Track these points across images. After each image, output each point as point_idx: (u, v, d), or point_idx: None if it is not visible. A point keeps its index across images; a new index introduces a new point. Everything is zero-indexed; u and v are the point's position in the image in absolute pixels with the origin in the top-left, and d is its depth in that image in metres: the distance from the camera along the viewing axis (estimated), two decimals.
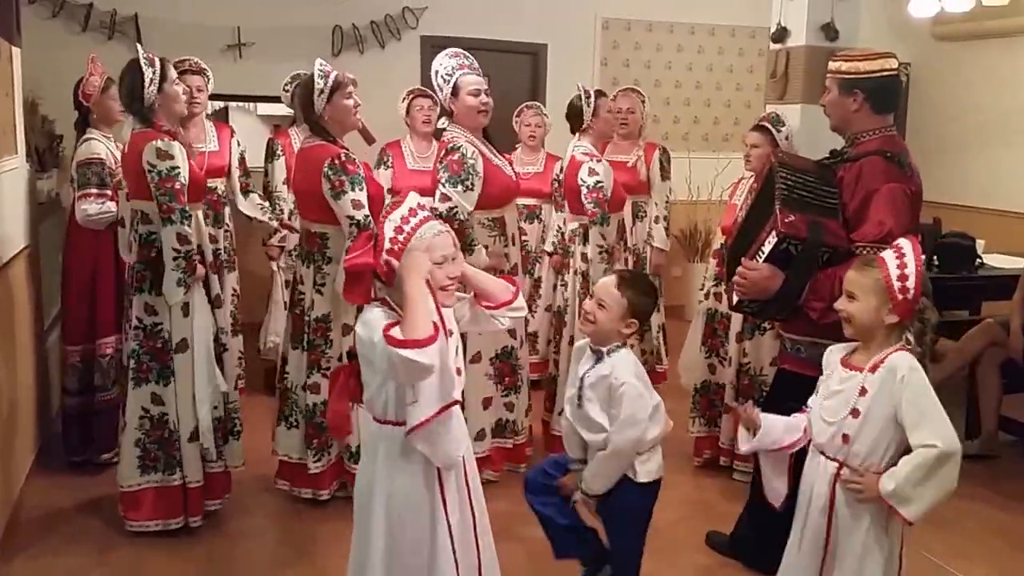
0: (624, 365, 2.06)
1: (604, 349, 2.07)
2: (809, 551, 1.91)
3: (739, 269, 2.27)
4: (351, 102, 2.87)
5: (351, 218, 2.73)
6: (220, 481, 2.85)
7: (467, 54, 3.14)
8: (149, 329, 2.67)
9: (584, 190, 3.25)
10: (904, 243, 1.87)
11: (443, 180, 2.96)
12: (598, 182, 3.25)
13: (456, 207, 2.92)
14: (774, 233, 2.15)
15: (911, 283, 1.82)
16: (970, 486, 3.42)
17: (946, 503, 2.85)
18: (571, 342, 3.30)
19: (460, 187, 2.94)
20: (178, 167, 2.61)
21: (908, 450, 1.82)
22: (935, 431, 1.74)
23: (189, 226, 2.62)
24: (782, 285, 2.18)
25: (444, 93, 3.08)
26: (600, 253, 3.29)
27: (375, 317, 1.70)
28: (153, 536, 2.73)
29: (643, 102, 4.15)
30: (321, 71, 2.83)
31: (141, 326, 2.68)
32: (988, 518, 3.05)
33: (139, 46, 2.73)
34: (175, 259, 2.60)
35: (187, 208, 2.62)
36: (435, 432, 1.70)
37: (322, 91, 2.82)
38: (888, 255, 1.86)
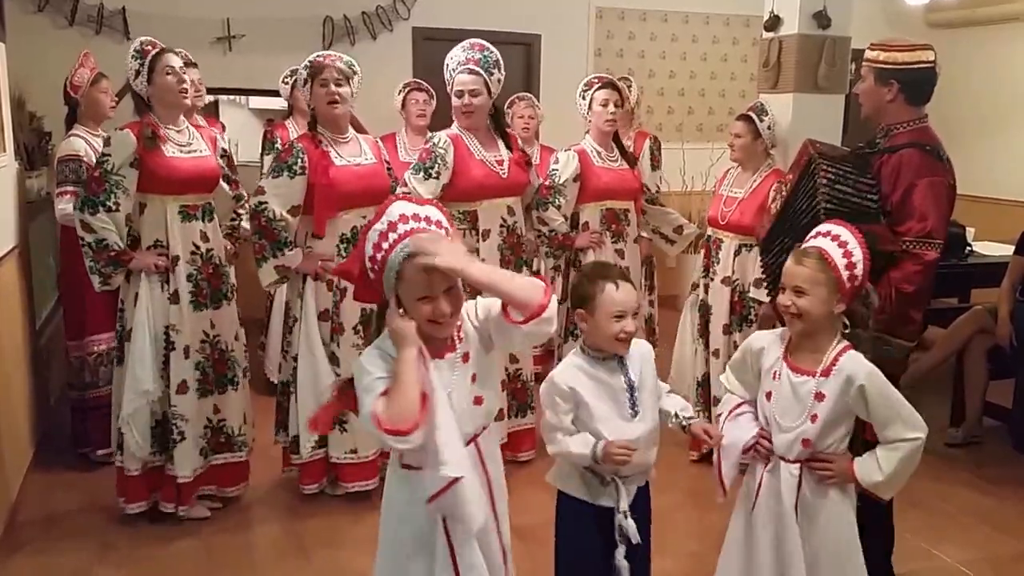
0: (645, 346, 1.92)
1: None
2: (775, 550, 1.88)
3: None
4: (324, 91, 2.80)
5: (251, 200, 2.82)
6: (169, 483, 2.77)
7: (486, 46, 3.10)
8: (122, 314, 2.77)
9: None
10: (841, 231, 1.88)
11: (410, 166, 3.10)
12: (552, 170, 3.36)
13: (410, 193, 2.97)
14: None
15: (859, 270, 1.85)
16: (954, 471, 3.46)
17: (931, 488, 2.92)
18: None
19: (421, 174, 3.02)
20: (107, 156, 2.62)
21: (858, 433, 1.87)
22: (912, 424, 1.80)
23: (93, 215, 2.59)
24: None
25: (448, 88, 3.13)
26: (538, 237, 3.34)
27: (369, 369, 1.51)
28: (152, 532, 2.77)
29: (629, 87, 4.11)
30: (308, 60, 2.83)
31: (122, 308, 2.77)
32: (972, 502, 3.09)
33: (142, 39, 2.70)
34: (81, 246, 2.64)
35: (98, 198, 2.59)
36: (449, 502, 1.51)
37: (305, 80, 2.82)
38: (828, 244, 1.86)
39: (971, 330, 3.64)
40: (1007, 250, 3.96)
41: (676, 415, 1.90)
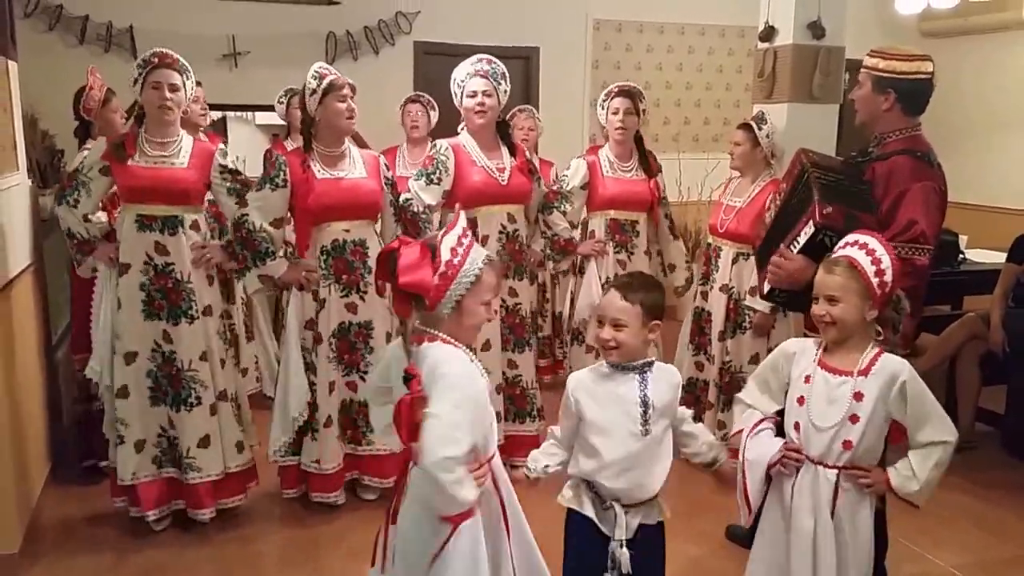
0: (675, 372, 1.93)
1: (639, 364, 1.85)
2: (807, 557, 1.90)
3: (774, 258, 2.30)
4: (344, 105, 2.85)
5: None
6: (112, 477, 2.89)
7: (492, 60, 3.17)
8: None
9: None
10: (868, 239, 1.91)
11: (414, 174, 3.18)
12: (562, 175, 3.50)
13: (411, 199, 3.04)
14: (811, 224, 2.17)
15: (888, 277, 1.87)
16: (947, 475, 3.45)
17: None
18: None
19: (423, 180, 3.09)
20: (84, 157, 2.88)
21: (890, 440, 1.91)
22: (944, 428, 1.85)
23: (59, 206, 2.79)
24: (815, 275, 2.19)
25: (457, 100, 3.19)
26: (543, 239, 3.39)
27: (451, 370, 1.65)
28: (165, 542, 2.83)
29: None
30: (316, 72, 2.85)
31: None
32: (965, 506, 3.13)
33: (154, 50, 2.78)
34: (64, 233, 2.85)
35: (65, 192, 2.78)
36: None
37: (314, 91, 2.84)
38: (856, 252, 1.89)
39: (964, 336, 3.69)
40: (999, 257, 4.01)
41: (707, 454, 1.97)
